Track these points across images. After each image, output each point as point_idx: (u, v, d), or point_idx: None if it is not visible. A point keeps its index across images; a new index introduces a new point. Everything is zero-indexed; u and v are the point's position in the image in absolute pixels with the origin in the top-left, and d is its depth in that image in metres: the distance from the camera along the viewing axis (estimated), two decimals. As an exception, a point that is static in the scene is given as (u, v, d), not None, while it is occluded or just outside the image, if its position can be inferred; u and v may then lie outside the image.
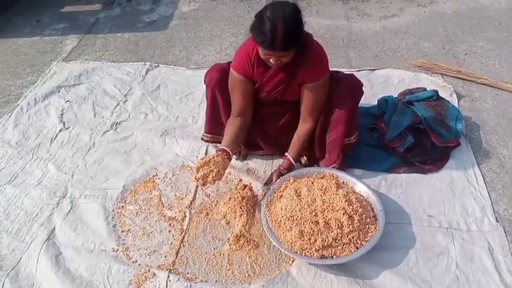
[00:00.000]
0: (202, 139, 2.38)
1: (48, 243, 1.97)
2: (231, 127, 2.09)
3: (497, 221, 1.98)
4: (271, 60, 1.85)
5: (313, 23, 3.72)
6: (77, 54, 3.53)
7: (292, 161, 2.11)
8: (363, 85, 2.16)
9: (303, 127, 2.10)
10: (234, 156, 2.30)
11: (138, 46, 3.59)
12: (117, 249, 1.94)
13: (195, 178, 1.91)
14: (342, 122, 2.08)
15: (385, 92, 2.70)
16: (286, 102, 2.13)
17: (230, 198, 2.07)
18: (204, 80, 2.20)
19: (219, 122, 2.24)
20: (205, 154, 2.41)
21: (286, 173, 2.10)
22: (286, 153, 2.12)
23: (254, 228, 1.99)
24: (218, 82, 2.12)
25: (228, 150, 2.00)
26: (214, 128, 2.30)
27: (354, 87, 2.12)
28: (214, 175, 1.89)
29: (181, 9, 4.14)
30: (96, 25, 3.96)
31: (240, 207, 2.03)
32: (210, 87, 2.16)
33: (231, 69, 2.05)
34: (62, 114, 2.81)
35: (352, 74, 2.19)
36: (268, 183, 2.11)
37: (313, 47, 1.96)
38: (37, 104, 2.90)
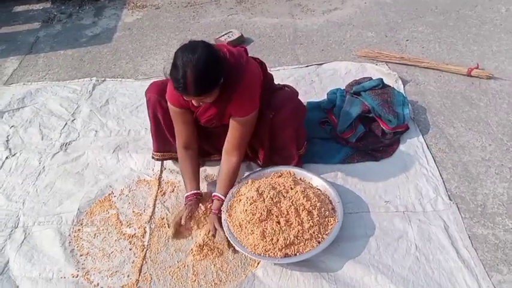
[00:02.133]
0: (152, 158, 2.32)
1: (2, 277, 1.89)
2: (185, 165, 2.08)
3: (450, 199, 2.06)
4: (193, 101, 1.82)
5: (259, 23, 3.73)
6: (18, 76, 3.38)
7: (223, 198, 2.00)
8: (304, 106, 2.14)
9: (229, 161, 2.01)
10: None
11: (82, 62, 3.49)
12: (77, 275, 1.88)
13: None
14: (289, 144, 2.11)
15: (334, 85, 2.75)
16: (225, 124, 2.03)
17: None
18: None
19: (165, 139, 2.20)
20: (161, 166, 2.37)
21: (220, 214, 1.97)
22: (214, 193, 2.02)
23: (217, 235, 1.98)
24: (157, 102, 2.07)
25: (198, 192, 2.04)
26: (162, 146, 2.25)
27: (295, 111, 2.06)
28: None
29: (124, 20, 4.05)
30: (36, 44, 3.81)
31: (203, 218, 2.01)
32: (151, 108, 2.12)
33: (167, 98, 1.99)
34: (7, 141, 2.69)
35: (293, 95, 2.11)
36: (213, 231, 1.94)
37: (243, 81, 1.86)
38: (-21, 132, 2.76)
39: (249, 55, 2.04)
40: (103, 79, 3.19)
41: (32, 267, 1.92)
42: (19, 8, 4.43)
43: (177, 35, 3.73)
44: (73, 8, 4.34)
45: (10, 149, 2.62)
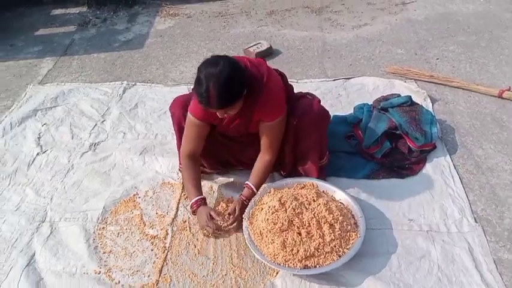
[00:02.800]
0: (179, 170, 2.33)
1: (28, 269, 1.93)
2: (190, 174, 2.10)
3: (475, 222, 2.02)
4: (218, 114, 1.86)
5: (288, 35, 3.77)
6: (52, 76, 3.50)
7: (254, 189, 2.06)
8: (328, 113, 2.13)
9: (263, 158, 2.07)
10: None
11: (114, 65, 3.59)
12: (100, 271, 1.92)
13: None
14: (312, 154, 2.11)
15: (361, 100, 2.75)
16: (252, 134, 2.08)
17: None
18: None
19: None
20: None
21: (247, 202, 2.04)
22: (247, 182, 2.08)
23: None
24: (182, 116, 2.11)
25: (203, 197, 2.08)
26: None
27: (319, 119, 2.07)
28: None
29: (156, 28, 4.15)
30: (71, 46, 3.94)
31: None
32: (175, 122, 2.17)
33: (189, 110, 2.02)
34: (39, 138, 2.78)
35: (317, 103, 2.11)
36: (232, 213, 2.04)
37: (266, 89, 1.89)
38: (13, 128, 2.86)
39: (276, 67, 2.10)
40: (133, 83, 3.27)
41: (57, 261, 1.97)
42: (57, 11, 4.61)
43: (207, 44, 3.79)
44: (108, 13, 4.48)
45: (41, 146, 2.71)
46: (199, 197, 2.06)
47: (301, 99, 2.13)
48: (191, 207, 2.07)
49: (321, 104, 2.12)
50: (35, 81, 3.44)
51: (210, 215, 2.01)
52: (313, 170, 2.14)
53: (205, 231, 2.04)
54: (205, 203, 2.07)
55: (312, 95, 2.20)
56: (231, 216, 2.02)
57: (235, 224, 2.02)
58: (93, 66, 3.60)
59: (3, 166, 2.57)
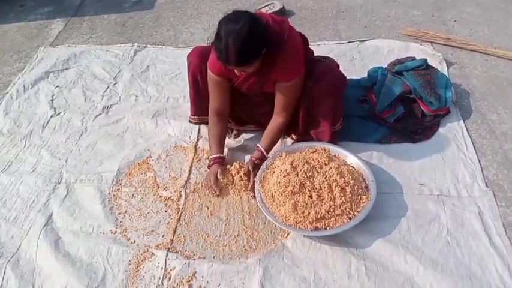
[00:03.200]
0: (190, 121, 2.36)
1: (46, 228, 2.00)
2: (214, 130, 2.15)
3: (487, 186, 2.02)
4: (235, 71, 1.85)
5: (301, -4, 3.67)
6: (63, 38, 3.48)
7: (264, 152, 2.09)
8: (345, 78, 2.11)
9: (276, 120, 2.08)
10: (227, 136, 2.33)
11: (125, 27, 3.55)
12: (115, 231, 1.97)
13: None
14: (326, 118, 2.08)
15: (375, 63, 2.70)
16: (266, 93, 2.08)
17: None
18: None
19: (203, 102, 2.22)
20: (198, 134, 2.42)
21: (259, 163, 2.08)
22: (258, 144, 2.10)
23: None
24: (198, 66, 2.11)
25: (222, 155, 2.11)
26: (200, 109, 2.28)
27: (335, 83, 2.05)
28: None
29: (167, -13, 4.06)
30: (81, 7, 3.89)
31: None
32: (191, 71, 2.15)
33: (208, 65, 2.02)
34: (52, 100, 2.80)
35: (334, 67, 2.11)
36: (247, 174, 2.08)
37: (287, 47, 1.87)
38: (26, 90, 2.88)
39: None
40: (144, 45, 3.25)
41: (74, 221, 2.03)
42: (66, -29, 4.51)
43: (218, 5, 3.72)
44: (118, -27, 4.38)
45: (55, 108, 2.73)
46: (218, 155, 2.11)
47: (320, 62, 2.11)
48: (209, 162, 2.13)
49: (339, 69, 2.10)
50: (46, 42, 3.43)
51: (217, 177, 2.06)
52: (326, 135, 2.13)
53: (210, 190, 2.09)
54: (222, 162, 2.11)
55: (330, 59, 2.18)
56: (246, 178, 2.07)
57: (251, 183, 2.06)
58: (103, 28, 3.56)
59: (18, 128, 2.60)
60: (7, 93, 2.87)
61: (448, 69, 2.70)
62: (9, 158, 2.40)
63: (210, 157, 2.14)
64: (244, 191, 2.07)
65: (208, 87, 2.13)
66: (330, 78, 2.03)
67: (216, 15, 3.56)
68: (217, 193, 2.07)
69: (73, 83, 2.93)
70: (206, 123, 2.30)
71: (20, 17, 3.81)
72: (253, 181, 2.04)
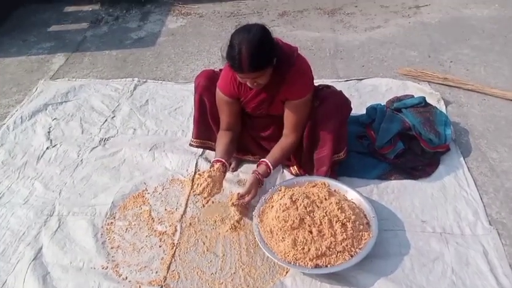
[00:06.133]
0: (190, 145, 2.35)
1: (35, 262, 1.92)
2: (222, 140, 2.12)
3: (490, 225, 1.97)
4: (247, 82, 1.88)
5: (300, 36, 3.75)
6: (64, 72, 3.51)
7: (271, 166, 2.04)
8: (350, 102, 2.14)
9: (285, 140, 2.08)
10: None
11: (126, 62, 3.58)
12: (107, 267, 1.89)
13: (196, 194, 1.95)
14: (330, 140, 2.06)
15: (373, 101, 2.71)
16: (272, 115, 2.13)
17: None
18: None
19: (207, 126, 2.23)
20: (196, 167, 2.38)
21: (261, 179, 2.03)
22: (264, 159, 2.07)
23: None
24: (205, 88, 2.13)
25: (223, 160, 2.01)
26: (202, 133, 2.28)
27: (341, 105, 2.09)
28: (215, 190, 1.94)
29: (168, 26, 4.15)
30: (83, 43, 3.95)
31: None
32: (198, 93, 2.17)
33: (217, 87, 2.06)
34: (49, 132, 2.77)
35: (339, 91, 2.17)
36: (244, 192, 2.01)
37: (296, 65, 1.94)
38: (24, 122, 2.86)
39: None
40: (144, 80, 3.26)
41: (64, 255, 1.95)
42: (70, 9, 4.63)
43: (219, 43, 3.77)
44: (120, 12, 4.49)
45: (51, 140, 2.70)
46: (219, 158, 2.03)
47: (325, 88, 2.19)
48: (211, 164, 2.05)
49: None
50: (46, 76, 3.44)
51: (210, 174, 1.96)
52: (325, 163, 2.09)
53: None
54: (224, 165, 2.02)
55: (333, 87, 2.24)
56: (246, 196, 2.01)
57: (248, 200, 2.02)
58: (104, 63, 3.60)
59: (12, 159, 2.56)
60: (4, 124, 2.85)
61: (446, 107, 2.71)
62: (1, 189, 2.35)
63: (212, 160, 2.06)
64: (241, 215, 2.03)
65: (212, 111, 2.15)
66: (335, 100, 2.07)
67: (217, 53, 3.61)
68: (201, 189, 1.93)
69: (71, 116, 2.92)
70: (207, 148, 2.30)
71: (22, 51, 3.85)
72: (250, 200, 1.99)
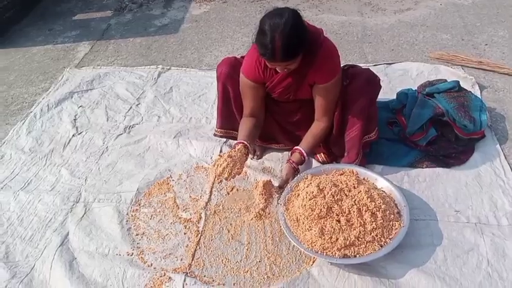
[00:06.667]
0: (214, 135, 2.31)
1: (61, 248, 1.93)
2: (245, 124, 2.06)
3: (529, 215, 1.87)
4: (277, 68, 1.83)
5: (326, 20, 3.65)
6: (89, 60, 3.52)
7: (304, 153, 2.00)
8: (379, 79, 2.08)
9: (318, 125, 2.04)
10: (250, 156, 2.24)
11: (150, 50, 3.57)
12: (132, 253, 1.89)
13: (216, 175, 1.85)
14: (360, 119, 2.00)
15: (404, 86, 2.61)
16: (299, 100, 2.07)
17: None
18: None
19: (231, 116, 2.18)
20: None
21: (297, 167, 2.01)
22: (297, 146, 2.02)
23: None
24: (228, 76, 2.08)
25: (246, 143, 1.95)
26: (226, 123, 2.23)
27: (370, 81, 2.04)
28: (236, 170, 1.85)
29: (192, 13, 4.11)
30: (107, 31, 3.95)
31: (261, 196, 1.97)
32: (221, 81, 2.12)
33: (241, 73, 2.00)
34: (75, 120, 2.79)
35: (368, 69, 2.11)
36: (282, 183, 1.99)
37: (323, 47, 1.87)
38: (50, 110, 2.88)
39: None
40: (168, 67, 3.24)
41: (90, 242, 1.96)
42: (94, -3, 4.64)
43: (242, 29, 3.72)
44: (144, -1, 4.47)
45: (77, 128, 2.71)
46: (241, 140, 1.96)
47: (350, 67, 2.12)
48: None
49: None
50: (71, 64, 3.46)
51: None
52: (356, 143, 2.02)
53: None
54: (245, 148, 1.94)
55: (359, 66, 2.18)
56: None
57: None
58: (128, 51, 3.59)
59: (39, 146, 2.58)
60: (31, 112, 2.88)
61: (481, 92, 2.58)
62: (29, 176, 2.37)
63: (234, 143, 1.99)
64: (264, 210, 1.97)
65: (236, 100, 2.10)
66: (364, 77, 2.02)
67: (240, 38, 3.56)
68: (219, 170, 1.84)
69: (96, 103, 2.92)
70: (231, 137, 2.25)
71: (48, 40, 3.88)
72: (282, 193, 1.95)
